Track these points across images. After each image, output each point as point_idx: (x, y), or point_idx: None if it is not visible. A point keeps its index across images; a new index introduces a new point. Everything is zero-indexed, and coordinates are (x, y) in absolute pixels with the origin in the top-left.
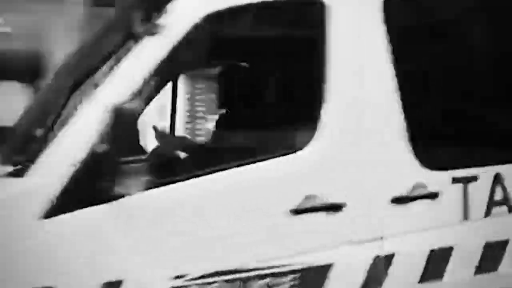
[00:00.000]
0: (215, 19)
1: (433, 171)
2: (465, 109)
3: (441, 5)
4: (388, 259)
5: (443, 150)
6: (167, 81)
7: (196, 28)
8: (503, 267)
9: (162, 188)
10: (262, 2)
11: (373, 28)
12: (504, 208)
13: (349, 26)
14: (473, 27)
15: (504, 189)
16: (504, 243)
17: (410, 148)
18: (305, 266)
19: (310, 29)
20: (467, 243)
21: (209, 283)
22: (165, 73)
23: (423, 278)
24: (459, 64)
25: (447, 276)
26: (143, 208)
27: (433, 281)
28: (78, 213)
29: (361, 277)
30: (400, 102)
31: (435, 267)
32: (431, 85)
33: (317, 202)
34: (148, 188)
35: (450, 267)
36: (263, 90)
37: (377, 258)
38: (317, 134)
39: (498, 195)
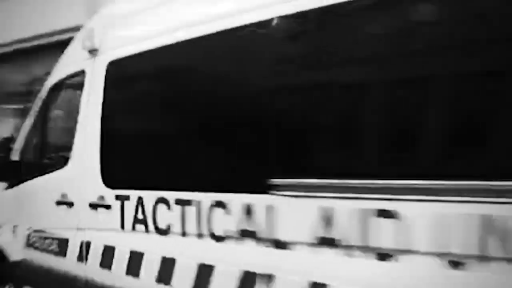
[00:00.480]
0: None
1: (110, 189)
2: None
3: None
4: (87, 245)
5: (118, 174)
6: None
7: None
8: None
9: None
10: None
11: (98, 86)
12: (142, 227)
13: (89, 84)
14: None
15: (143, 211)
16: (140, 255)
17: (100, 172)
18: (60, 236)
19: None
20: (123, 249)
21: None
22: None
23: (102, 264)
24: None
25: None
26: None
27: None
28: None
29: (77, 252)
30: (99, 145)
31: (107, 257)
32: (128, 131)
33: (65, 199)
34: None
35: (114, 261)
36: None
37: (83, 242)
38: (71, 158)
39: (140, 215)
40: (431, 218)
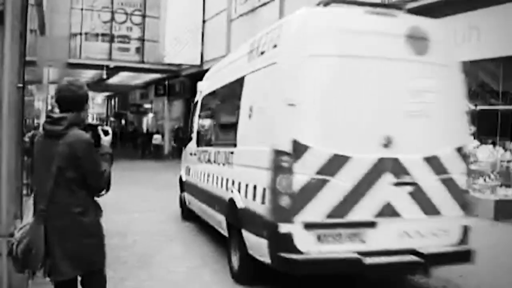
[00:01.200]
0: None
1: (198, 147)
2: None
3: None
4: (189, 169)
5: (198, 141)
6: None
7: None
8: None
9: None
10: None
11: (199, 105)
12: (201, 160)
13: (198, 105)
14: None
15: (200, 155)
16: (201, 171)
17: (196, 140)
18: (187, 166)
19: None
20: (197, 170)
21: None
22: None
23: (192, 176)
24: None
25: (194, 177)
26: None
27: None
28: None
29: (190, 173)
30: (196, 131)
31: (194, 174)
32: (207, 122)
33: (191, 151)
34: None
35: (195, 175)
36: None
37: (189, 168)
38: (193, 136)
39: (200, 156)
40: (223, 151)
